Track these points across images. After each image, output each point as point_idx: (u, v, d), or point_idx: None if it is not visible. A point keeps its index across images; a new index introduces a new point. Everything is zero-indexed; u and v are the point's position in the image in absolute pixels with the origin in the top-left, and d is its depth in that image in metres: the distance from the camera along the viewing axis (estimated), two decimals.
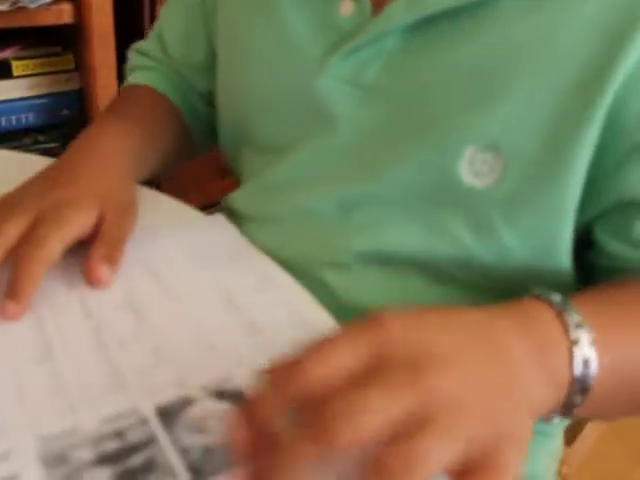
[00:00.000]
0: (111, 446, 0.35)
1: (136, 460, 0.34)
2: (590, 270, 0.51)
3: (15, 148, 1.24)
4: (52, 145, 1.29)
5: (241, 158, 0.62)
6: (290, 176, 0.54)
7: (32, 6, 1.10)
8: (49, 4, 1.14)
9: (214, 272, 0.49)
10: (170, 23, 0.70)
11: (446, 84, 0.46)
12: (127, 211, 0.51)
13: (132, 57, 0.74)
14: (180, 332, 0.43)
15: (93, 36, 1.18)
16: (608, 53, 0.42)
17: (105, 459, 0.34)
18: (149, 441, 0.35)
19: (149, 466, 0.34)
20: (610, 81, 0.42)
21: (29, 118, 1.28)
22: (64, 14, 1.18)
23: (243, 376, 0.40)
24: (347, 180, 0.51)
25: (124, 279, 0.48)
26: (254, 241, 0.54)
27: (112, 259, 0.47)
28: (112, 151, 0.56)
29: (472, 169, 0.45)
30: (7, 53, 1.22)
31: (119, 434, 0.36)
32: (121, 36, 1.18)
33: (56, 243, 0.46)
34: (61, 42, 1.30)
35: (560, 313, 0.37)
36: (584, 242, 0.49)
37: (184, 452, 0.35)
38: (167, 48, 0.70)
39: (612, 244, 0.47)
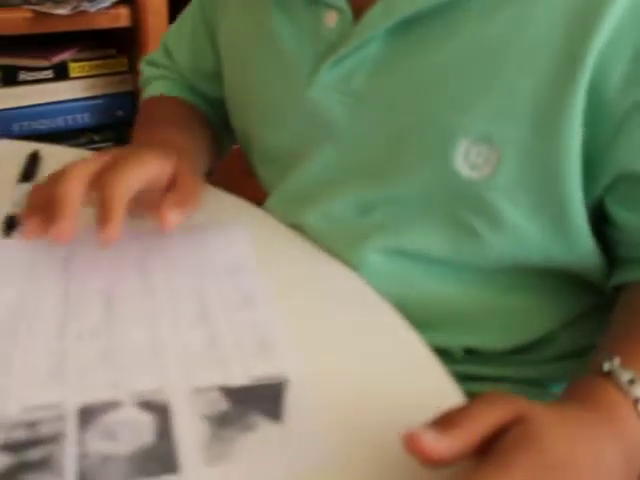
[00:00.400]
0: (19, 435, 0.35)
1: (33, 455, 0.34)
2: (611, 246, 0.51)
3: (71, 147, 1.28)
4: (106, 145, 1.33)
5: (259, 165, 0.64)
6: (304, 185, 0.56)
7: (92, 10, 1.14)
8: (107, 8, 1.18)
9: (202, 282, 0.48)
10: (177, 38, 0.73)
11: (429, 84, 0.48)
12: (199, 179, 0.53)
13: (144, 69, 0.78)
14: (138, 335, 0.43)
15: (148, 38, 1.22)
16: (580, 31, 0.43)
17: (7, 447, 0.34)
18: (55, 438, 0.35)
19: (41, 464, 0.34)
20: (586, 56, 0.43)
21: (84, 118, 1.32)
22: (121, 17, 1.21)
23: (175, 391, 0.39)
24: (358, 184, 0.52)
25: (113, 271, 0.49)
26: None
27: (184, 207, 0.48)
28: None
29: (467, 162, 0.47)
30: (65, 55, 1.26)
31: (32, 425, 0.36)
32: None
33: (136, 175, 0.47)
34: (116, 45, 1.34)
35: (631, 397, 0.38)
36: (600, 216, 0.50)
37: (82, 456, 0.34)
38: (173, 56, 0.73)
39: (622, 215, 0.48)
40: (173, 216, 0.47)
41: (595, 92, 0.44)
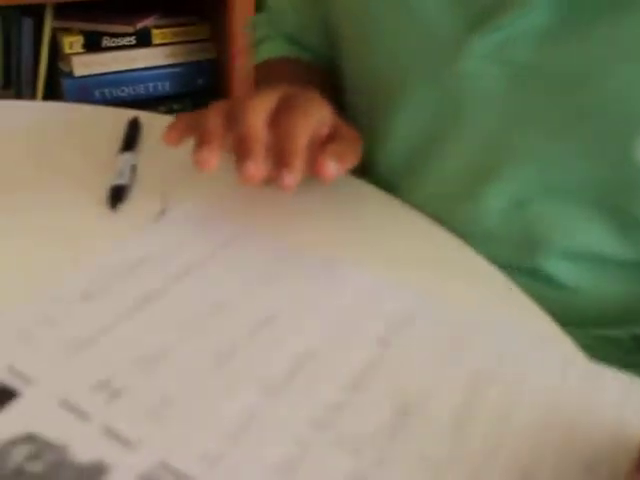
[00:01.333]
0: None
1: None
2: None
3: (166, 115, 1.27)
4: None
5: (381, 162, 0.57)
6: (446, 179, 0.50)
7: None
8: None
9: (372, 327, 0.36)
10: (283, 15, 0.67)
11: (610, 61, 0.43)
12: (359, 134, 0.48)
13: (249, 32, 0.72)
14: (246, 398, 0.30)
15: (234, 5, 1.19)
16: None
17: None
18: None
19: None
20: None
21: (165, 86, 1.30)
22: None
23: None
24: (513, 173, 0.47)
25: (269, 296, 0.38)
26: None
27: (343, 159, 0.43)
28: None
29: None
30: (148, 22, 1.25)
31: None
32: (259, 8, 1.18)
33: (313, 118, 0.43)
34: (197, 12, 1.31)
35: None
36: None
37: None
38: (278, 16, 0.68)
39: None
40: (332, 166, 0.42)
41: None
